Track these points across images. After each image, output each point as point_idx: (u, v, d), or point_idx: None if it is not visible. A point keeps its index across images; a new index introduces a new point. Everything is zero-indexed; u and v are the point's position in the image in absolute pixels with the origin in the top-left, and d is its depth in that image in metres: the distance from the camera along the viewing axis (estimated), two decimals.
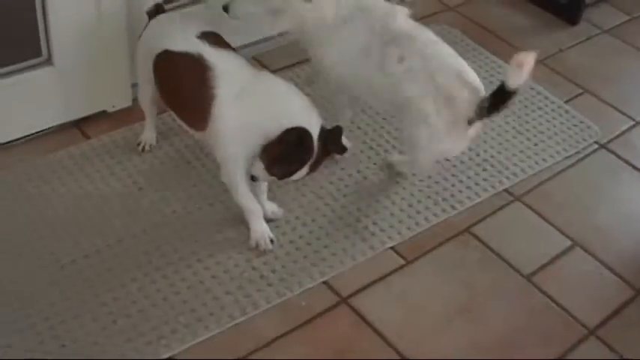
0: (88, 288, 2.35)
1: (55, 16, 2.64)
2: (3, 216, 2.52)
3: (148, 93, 2.66)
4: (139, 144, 2.79)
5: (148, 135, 2.79)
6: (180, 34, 2.45)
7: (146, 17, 2.63)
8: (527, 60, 2.30)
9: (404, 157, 2.79)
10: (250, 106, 2.31)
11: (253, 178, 2.37)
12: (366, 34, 2.52)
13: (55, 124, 2.84)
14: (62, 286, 2.34)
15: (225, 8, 2.58)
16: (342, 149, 2.42)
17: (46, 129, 2.83)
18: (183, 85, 2.41)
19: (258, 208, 2.48)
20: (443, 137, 2.52)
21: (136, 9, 2.75)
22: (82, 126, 2.89)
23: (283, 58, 3.23)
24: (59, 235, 2.48)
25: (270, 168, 2.30)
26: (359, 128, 3.01)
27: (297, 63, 3.18)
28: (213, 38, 2.45)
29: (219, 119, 2.33)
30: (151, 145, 2.80)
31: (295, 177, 2.34)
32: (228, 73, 2.36)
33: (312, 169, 2.34)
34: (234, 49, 2.49)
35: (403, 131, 2.64)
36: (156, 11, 2.62)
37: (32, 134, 2.81)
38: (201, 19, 2.55)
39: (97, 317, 2.27)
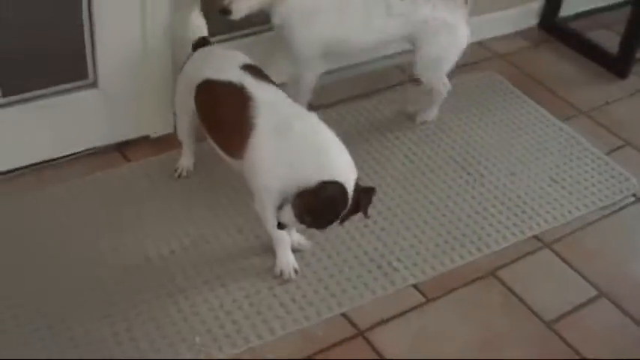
0: (110, 304, 2.43)
1: (102, 40, 2.75)
2: (40, 229, 2.63)
3: (186, 123, 2.76)
4: (176, 170, 2.87)
5: (185, 162, 2.88)
6: (223, 64, 2.54)
7: (189, 49, 2.72)
8: None
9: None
10: (290, 143, 2.34)
11: (280, 226, 2.39)
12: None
13: (97, 145, 2.95)
14: (86, 298, 2.44)
15: (225, 11, 2.70)
16: (368, 212, 2.41)
17: (88, 149, 2.94)
18: (224, 114, 2.48)
19: (287, 238, 2.54)
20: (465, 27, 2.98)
21: (179, 41, 2.85)
22: (123, 149, 2.99)
23: (329, 95, 3.29)
24: (90, 251, 2.58)
25: (300, 216, 2.31)
26: (394, 167, 3.06)
27: (341, 101, 3.23)
28: (256, 70, 2.53)
29: (257, 149, 2.38)
30: (187, 172, 2.88)
31: (322, 230, 2.37)
32: (269, 104, 2.41)
33: (340, 222, 2.35)
34: (275, 83, 2.55)
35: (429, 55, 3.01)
36: (201, 44, 2.71)
37: (75, 154, 2.92)
38: (243, 54, 2.63)
39: (117, 332, 2.34)
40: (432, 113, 3.30)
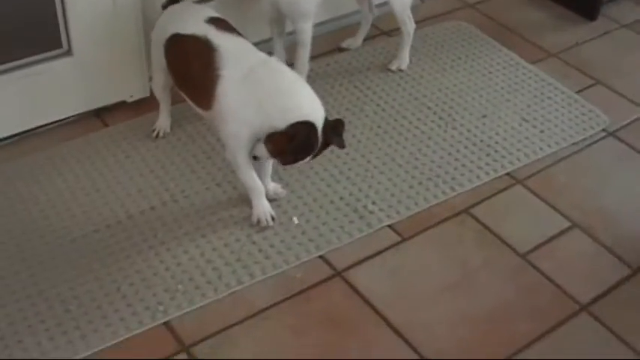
0: (96, 259, 2.49)
1: (74, 8, 2.81)
2: (24, 194, 2.71)
3: (160, 80, 2.83)
4: (153, 130, 2.94)
5: (162, 122, 2.95)
6: (188, 19, 2.62)
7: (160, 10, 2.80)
8: None
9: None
10: (256, 90, 2.42)
11: (256, 158, 2.49)
12: None
13: (75, 113, 3.02)
14: (71, 257, 2.50)
15: None
16: (343, 143, 2.50)
17: (67, 117, 3.01)
18: (191, 67, 2.55)
19: (260, 186, 2.61)
20: None
21: (150, 2, 2.92)
22: (101, 115, 3.07)
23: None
24: (73, 211, 2.65)
25: (274, 156, 2.43)
26: (367, 116, 3.11)
27: (312, 57, 3.29)
28: (221, 23, 2.60)
29: (223, 99, 2.46)
30: (165, 132, 2.95)
31: (296, 165, 2.46)
32: (234, 55, 2.49)
33: (313, 157, 2.45)
34: (241, 34, 2.62)
35: None
36: (171, 2, 2.79)
37: (54, 122, 2.99)
38: (210, 8, 2.72)
39: (103, 285, 2.42)
40: (405, 58, 3.38)
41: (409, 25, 3.31)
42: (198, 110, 2.58)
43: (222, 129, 2.51)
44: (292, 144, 2.35)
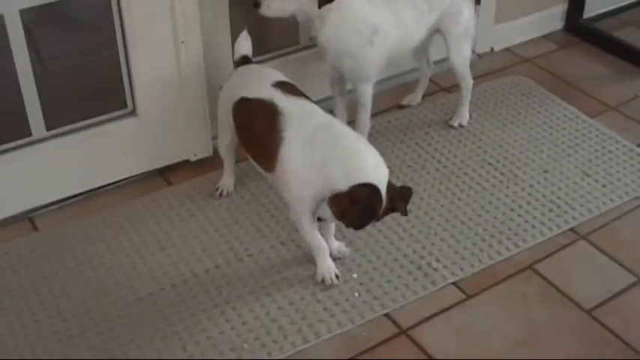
0: (162, 318, 2.52)
1: (138, 69, 2.89)
2: (90, 253, 2.76)
3: (226, 140, 2.87)
4: (217, 189, 2.98)
5: (226, 181, 2.99)
6: (256, 82, 2.66)
7: (225, 71, 2.87)
8: None
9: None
10: (318, 152, 2.44)
11: (320, 219, 2.50)
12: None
13: (140, 172, 3.08)
14: (138, 316, 2.53)
15: (255, 4, 2.79)
16: (406, 211, 2.50)
17: (132, 176, 3.07)
18: (256, 129, 2.59)
19: (325, 245, 2.62)
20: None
21: (213, 64, 3.00)
22: (165, 174, 3.12)
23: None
24: (139, 270, 2.68)
25: (338, 218, 2.42)
26: (428, 173, 3.12)
27: (373, 115, 3.32)
28: (287, 87, 2.63)
29: (286, 161, 2.48)
30: (228, 191, 2.99)
31: (361, 228, 2.46)
32: (298, 117, 2.51)
33: (377, 221, 2.46)
34: (306, 96, 2.64)
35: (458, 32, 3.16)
36: (243, 62, 2.83)
37: (119, 181, 3.05)
38: (279, 72, 2.74)
39: (169, 344, 2.44)
40: (465, 114, 3.40)
41: (468, 82, 3.33)
42: (263, 172, 2.60)
43: (285, 191, 2.53)
44: (355, 207, 2.35)
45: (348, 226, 2.43)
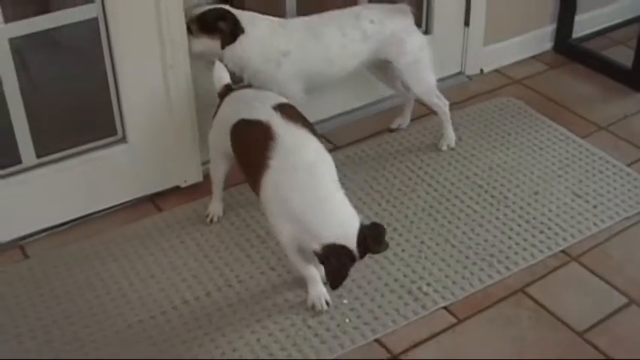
0: (151, 345, 2.51)
1: (128, 96, 2.89)
2: (80, 280, 2.75)
3: (219, 169, 2.87)
4: (207, 216, 2.97)
5: (215, 207, 2.99)
6: (256, 104, 2.65)
7: (216, 96, 2.86)
8: None
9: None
10: (296, 195, 2.44)
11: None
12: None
13: (130, 198, 3.07)
14: (127, 343, 2.52)
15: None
16: (383, 247, 2.49)
17: (122, 203, 3.06)
18: (250, 151, 2.58)
19: (314, 272, 2.61)
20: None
21: (202, 88, 3.01)
22: (156, 200, 3.12)
23: (351, 133, 3.39)
24: (128, 297, 2.68)
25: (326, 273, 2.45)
26: (419, 197, 3.12)
27: (364, 139, 3.32)
28: (289, 111, 2.62)
29: (266, 191, 2.49)
30: (218, 217, 2.98)
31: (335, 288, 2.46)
32: (288, 148, 2.50)
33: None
34: (308, 124, 2.64)
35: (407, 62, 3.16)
36: (226, 92, 2.82)
37: (109, 208, 3.04)
38: (277, 95, 2.75)
39: None
40: (451, 135, 3.40)
41: (441, 105, 3.31)
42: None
43: (268, 219, 2.54)
44: (327, 268, 2.38)
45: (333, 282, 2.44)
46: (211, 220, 2.98)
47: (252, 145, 2.56)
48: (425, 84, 3.24)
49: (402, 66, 3.17)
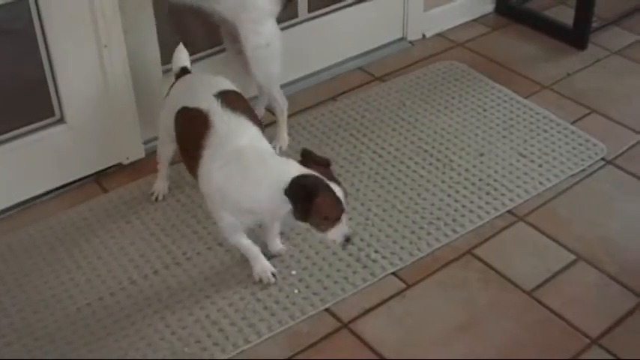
0: (101, 328, 2.50)
1: (63, 76, 2.85)
2: (27, 266, 2.72)
3: (167, 149, 2.83)
4: (152, 194, 2.95)
5: (161, 185, 2.97)
6: (199, 91, 2.58)
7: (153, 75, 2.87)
8: None
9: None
10: (232, 185, 2.40)
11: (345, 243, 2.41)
12: None
13: (72, 179, 3.04)
14: (78, 327, 2.50)
15: None
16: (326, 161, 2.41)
17: (65, 185, 3.03)
18: (189, 138, 2.54)
19: (255, 248, 2.60)
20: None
21: (140, 67, 2.99)
22: (100, 180, 3.08)
23: (294, 104, 3.36)
24: (77, 280, 2.65)
25: (319, 225, 2.35)
26: (364, 164, 3.12)
27: (307, 108, 3.30)
28: (230, 97, 2.55)
29: (202, 180, 2.47)
30: (163, 195, 2.96)
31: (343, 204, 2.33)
32: (223, 136, 2.45)
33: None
34: (252, 111, 2.59)
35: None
36: (182, 73, 2.76)
37: (54, 190, 3.01)
38: (225, 79, 2.67)
39: (110, 352, 2.42)
40: (284, 138, 3.23)
41: (281, 102, 3.16)
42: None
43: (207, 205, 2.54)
44: (303, 204, 2.29)
45: (337, 215, 2.34)
46: (156, 199, 2.96)
47: (190, 132, 2.52)
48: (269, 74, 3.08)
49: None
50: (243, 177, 2.36)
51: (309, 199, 2.26)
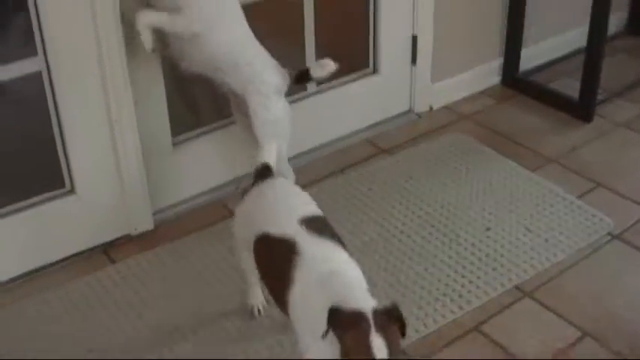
0: None
1: (74, 148, 2.90)
2: (34, 335, 2.72)
3: (248, 256, 2.49)
4: (251, 309, 2.77)
5: (256, 295, 2.77)
6: (282, 217, 2.35)
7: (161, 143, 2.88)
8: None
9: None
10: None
11: None
12: None
13: (81, 249, 3.06)
14: None
15: None
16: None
17: (74, 255, 3.05)
18: (275, 268, 2.28)
19: None
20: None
21: (149, 137, 3.04)
22: (108, 251, 3.10)
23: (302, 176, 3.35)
24: (82, 353, 2.65)
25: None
26: (370, 238, 3.13)
27: (316, 181, 3.32)
28: (316, 223, 2.33)
29: (293, 305, 2.18)
30: (263, 306, 2.77)
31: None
32: (312, 260, 2.19)
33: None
34: (336, 234, 2.37)
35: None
36: (263, 172, 2.53)
37: (61, 260, 3.03)
38: (307, 196, 2.50)
39: None
40: None
41: (288, 176, 3.09)
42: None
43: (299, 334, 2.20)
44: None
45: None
46: (259, 312, 2.76)
47: (277, 263, 2.26)
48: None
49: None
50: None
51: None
